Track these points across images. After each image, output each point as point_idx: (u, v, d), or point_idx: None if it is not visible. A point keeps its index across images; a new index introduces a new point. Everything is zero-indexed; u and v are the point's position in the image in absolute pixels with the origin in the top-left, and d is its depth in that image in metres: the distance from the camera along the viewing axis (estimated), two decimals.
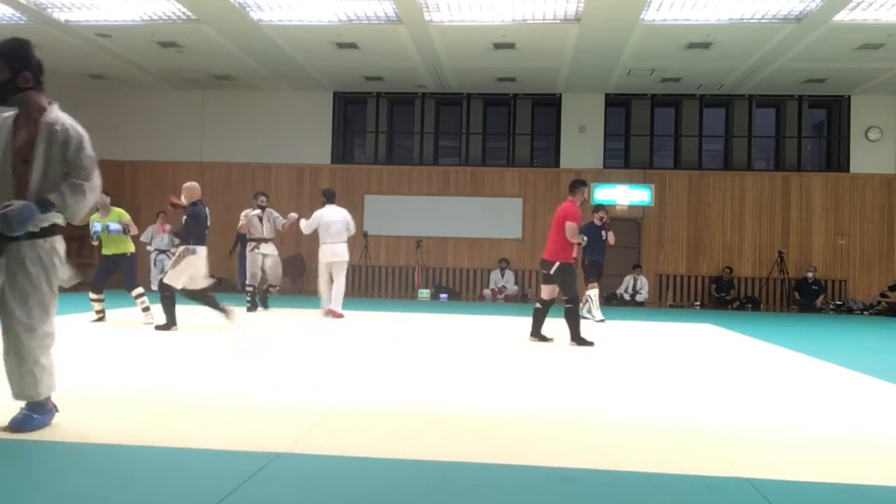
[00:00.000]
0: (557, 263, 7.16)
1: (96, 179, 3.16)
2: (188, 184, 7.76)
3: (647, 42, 12.33)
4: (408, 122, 16.66)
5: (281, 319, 9.17)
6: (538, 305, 7.50)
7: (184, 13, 11.60)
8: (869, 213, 15.30)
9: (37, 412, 3.16)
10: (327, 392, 4.30)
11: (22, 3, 11.27)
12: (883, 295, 14.62)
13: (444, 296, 15.23)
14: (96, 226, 7.99)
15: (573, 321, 7.13)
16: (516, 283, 15.40)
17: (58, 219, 3.17)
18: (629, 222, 15.56)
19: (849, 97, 15.42)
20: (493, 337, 7.89)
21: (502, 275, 15.34)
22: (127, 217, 8.18)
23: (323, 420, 3.52)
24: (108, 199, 8.06)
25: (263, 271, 10.12)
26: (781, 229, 15.44)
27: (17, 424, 3.09)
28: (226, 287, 15.06)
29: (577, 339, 7.10)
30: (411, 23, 11.67)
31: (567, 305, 7.13)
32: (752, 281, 15.41)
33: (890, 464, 3.04)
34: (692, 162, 15.86)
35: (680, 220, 15.66)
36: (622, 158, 16.14)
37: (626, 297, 14.81)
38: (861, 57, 12.80)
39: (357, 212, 15.99)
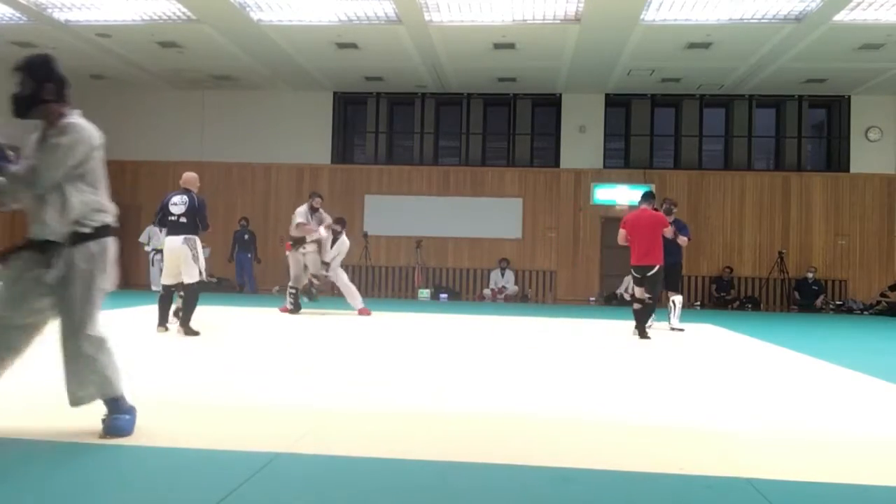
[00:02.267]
0: (658, 266, 8.01)
1: (44, 168, 2.99)
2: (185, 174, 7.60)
3: (647, 42, 12.33)
4: (408, 122, 16.66)
5: (282, 320, 9.17)
6: (639, 306, 8.11)
7: (184, 13, 11.60)
8: (869, 213, 15.30)
9: (122, 412, 3.10)
10: (328, 392, 4.30)
11: (22, 3, 11.27)
12: (883, 295, 14.62)
13: (444, 296, 15.23)
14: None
15: (645, 316, 7.99)
16: (516, 283, 15.40)
17: (108, 219, 3.15)
18: None
19: (849, 97, 15.42)
20: (493, 337, 7.89)
21: (502, 275, 15.34)
22: None
23: (323, 420, 3.52)
24: None
25: (305, 267, 10.04)
26: (781, 229, 15.44)
27: (111, 430, 3.05)
28: (226, 288, 15.08)
29: (641, 330, 7.93)
30: (411, 23, 11.67)
31: (649, 303, 8.05)
32: (752, 281, 15.41)
33: (890, 464, 3.04)
34: (692, 162, 15.86)
35: (680, 219, 15.64)
36: (622, 158, 16.14)
37: (626, 297, 14.78)
38: (861, 57, 12.80)
39: (357, 212, 16.03)
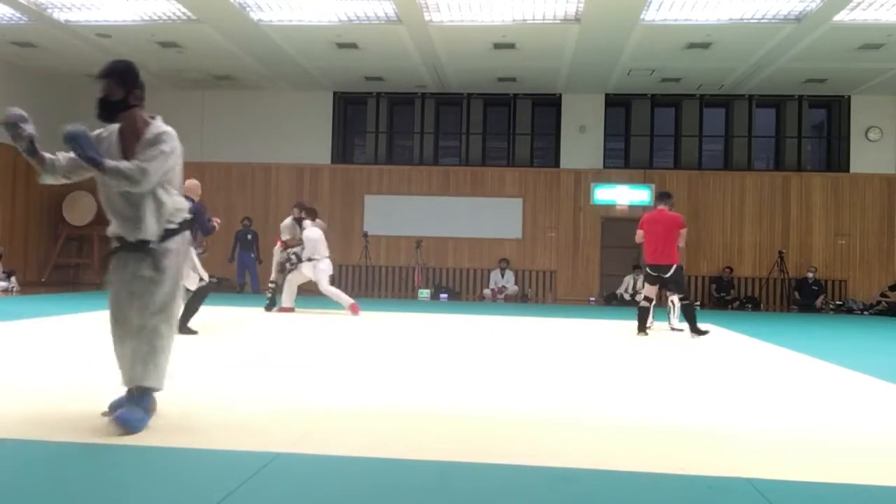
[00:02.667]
0: (675, 266, 8.14)
1: (151, 176, 3.19)
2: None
3: (647, 42, 12.33)
4: (408, 122, 16.66)
5: (281, 319, 9.18)
6: (646, 304, 8.33)
7: (184, 13, 11.60)
8: (869, 213, 15.30)
9: (142, 407, 3.22)
10: (327, 392, 4.30)
11: (22, 3, 11.27)
12: (883, 295, 14.62)
13: (444, 296, 15.23)
14: None
15: (690, 314, 8.09)
16: (516, 283, 15.40)
17: (187, 214, 3.41)
18: (629, 222, 15.54)
19: (849, 97, 15.42)
20: (493, 337, 7.89)
21: (502, 275, 15.34)
22: None
23: (323, 420, 3.52)
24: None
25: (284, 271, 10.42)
26: (781, 229, 15.44)
27: (122, 420, 3.13)
28: (226, 287, 15.07)
29: (696, 330, 8.00)
30: (411, 23, 11.67)
31: (683, 302, 8.26)
32: (752, 281, 15.42)
33: (890, 464, 3.04)
34: (692, 162, 15.87)
35: None
36: (622, 158, 16.15)
37: (626, 297, 14.79)
38: (861, 57, 12.80)
39: (357, 212, 16.03)
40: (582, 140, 15.87)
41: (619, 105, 16.06)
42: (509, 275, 15.36)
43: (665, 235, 8.13)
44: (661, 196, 8.55)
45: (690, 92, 15.53)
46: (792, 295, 15.11)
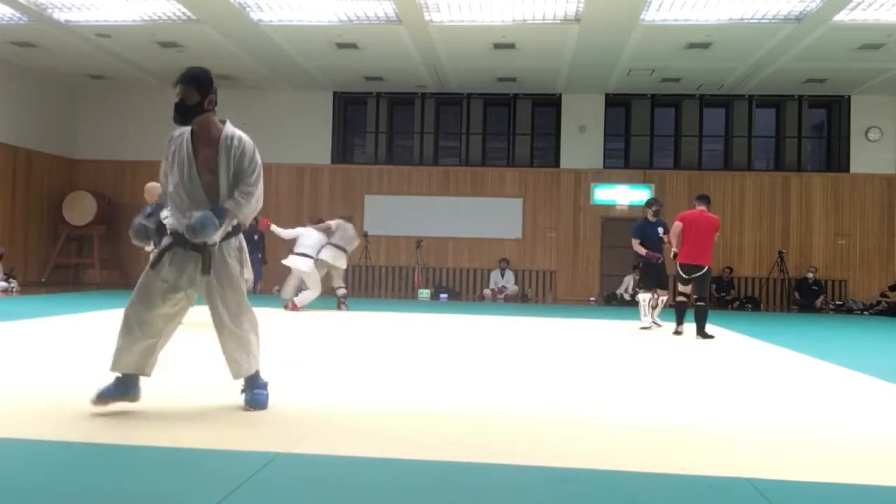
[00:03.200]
0: (707, 267, 8.22)
1: (261, 185, 3.58)
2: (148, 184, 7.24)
3: (647, 42, 12.33)
4: (408, 122, 16.66)
5: (281, 319, 9.17)
6: (683, 299, 8.51)
7: (184, 13, 11.60)
8: (869, 213, 15.30)
9: (260, 387, 3.70)
10: (327, 392, 4.30)
11: (22, 3, 11.27)
12: (883, 295, 14.62)
13: (444, 296, 15.23)
14: None
15: (703, 317, 8.15)
16: (516, 283, 15.40)
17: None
18: (629, 222, 15.54)
19: (849, 97, 15.42)
20: (493, 337, 7.89)
21: (502, 275, 15.34)
22: None
23: (323, 420, 3.52)
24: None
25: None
26: (781, 229, 15.44)
27: (254, 403, 3.63)
28: None
29: (702, 332, 8.01)
30: (411, 23, 11.67)
31: (699, 304, 8.29)
32: (752, 281, 15.41)
33: (890, 464, 3.04)
34: (692, 162, 15.87)
35: None
36: (622, 158, 16.15)
37: (626, 297, 14.80)
38: (861, 57, 12.80)
39: (357, 212, 16.02)
40: (582, 140, 15.87)
41: (619, 105, 16.06)
42: (509, 275, 15.36)
43: (706, 237, 8.22)
44: (703, 198, 8.62)
45: (690, 92, 15.53)
46: (792, 295, 15.10)
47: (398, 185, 16.08)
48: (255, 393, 3.66)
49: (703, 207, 8.41)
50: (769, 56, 12.90)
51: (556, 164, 15.96)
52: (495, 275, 15.41)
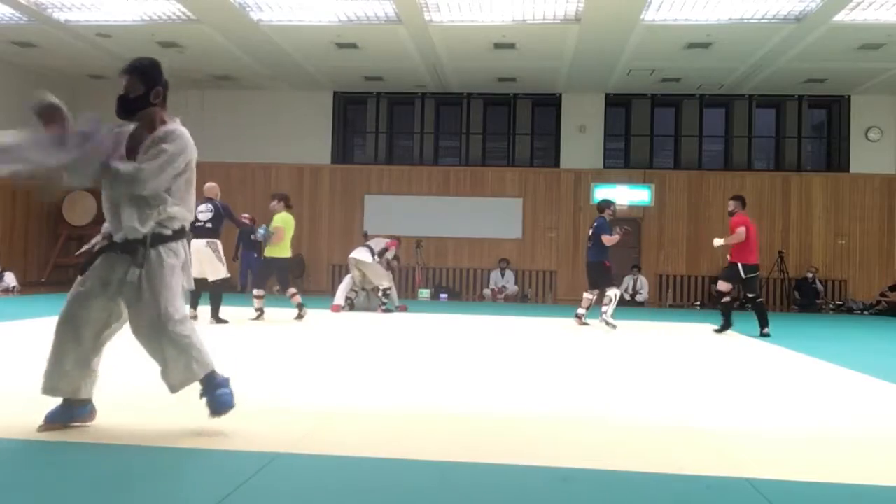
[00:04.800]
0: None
1: (149, 170, 3.04)
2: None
3: (647, 42, 12.32)
4: (408, 122, 16.66)
5: (280, 319, 9.17)
6: (728, 299, 9.03)
7: (184, 13, 11.60)
8: (869, 213, 15.29)
9: (221, 386, 3.21)
10: (328, 392, 4.29)
11: (22, 4, 11.27)
12: (883, 295, 14.62)
13: (444, 296, 15.23)
14: (259, 229, 9.15)
15: (763, 312, 8.85)
16: (516, 283, 15.40)
17: (186, 224, 3.25)
18: (629, 222, 15.55)
19: (849, 97, 15.41)
20: (493, 337, 7.89)
21: (502, 275, 15.34)
22: (278, 224, 9.02)
23: (323, 420, 3.52)
24: (274, 204, 9.09)
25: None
26: (781, 229, 15.43)
27: (218, 406, 3.16)
28: (226, 287, 15.05)
29: (765, 332, 8.63)
30: (411, 23, 11.67)
31: (759, 301, 9.08)
32: None
33: (890, 464, 3.04)
34: (692, 162, 15.86)
35: (680, 220, 15.66)
36: (622, 158, 16.14)
37: (626, 297, 14.80)
38: (861, 57, 12.80)
39: (357, 212, 16.03)
40: (582, 140, 15.87)
41: (619, 105, 16.05)
42: (509, 275, 15.36)
43: (756, 236, 8.93)
44: (743, 201, 9.09)
45: (690, 92, 15.53)
46: (792, 295, 15.10)
47: (398, 185, 16.08)
48: (215, 395, 3.19)
49: (744, 211, 8.97)
50: (769, 56, 12.90)
51: (556, 164, 15.96)
52: (495, 275, 15.41)
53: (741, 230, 8.62)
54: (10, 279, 12.89)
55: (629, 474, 2.76)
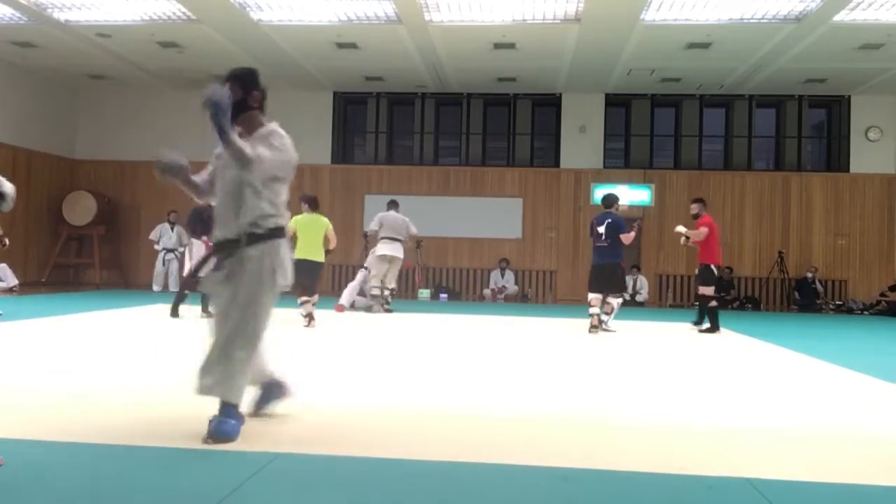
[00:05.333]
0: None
1: (264, 157, 3.19)
2: None
3: (647, 42, 12.32)
4: (408, 122, 16.65)
5: (280, 319, 9.16)
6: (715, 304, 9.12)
7: (184, 13, 11.60)
8: (869, 213, 15.29)
9: (231, 417, 3.16)
10: (327, 392, 4.30)
11: (22, 3, 11.27)
12: (883, 295, 14.62)
13: (444, 296, 15.23)
14: None
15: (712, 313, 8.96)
16: (516, 283, 15.40)
17: (282, 221, 3.36)
18: (629, 222, 15.54)
19: (849, 97, 15.41)
20: (493, 337, 7.89)
21: (502, 275, 15.34)
22: (290, 226, 8.93)
23: (323, 420, 3.52)
24: (304, 205, 8.79)
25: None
26: (781, 229, 15.43)
27: (216, 434, 3.07)
28: None
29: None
30: (411, 23, 11.67)
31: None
32: (752, 281, 15.41)
33: (890, 463, 3.05)
34: (692, 162, 15.86)
35: (680, 220, 15.58)
36: (622, 158, 16.14)
37: (626, 297, 14.79)
38: (861, 57, 12.79)
39: (357, 212, 16.02)
40: (582, 140, 15.87)
41: (619, 105, 16.05)
42: (509, 275, 15.36)
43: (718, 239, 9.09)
44: (705, 202, 9.41)
45: (690, 92, 15.52)
46: (792, 295, 15.10)
47: (398, 185, 16.07)
48: (221, 421, 3.11)
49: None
50: (769, 56, 12.90)
51: (556, 163, 15.96)
52: (495, 275, 15.41)
53: (704, 229, 8.89)
54: (5, 273, 12.50)
55: (629, 474, 2.76)
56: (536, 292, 15.67)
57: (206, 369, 3.18)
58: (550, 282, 15.72)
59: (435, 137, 16.42)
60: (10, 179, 3.33)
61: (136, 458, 2.82)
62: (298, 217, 8.79)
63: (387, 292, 10.79)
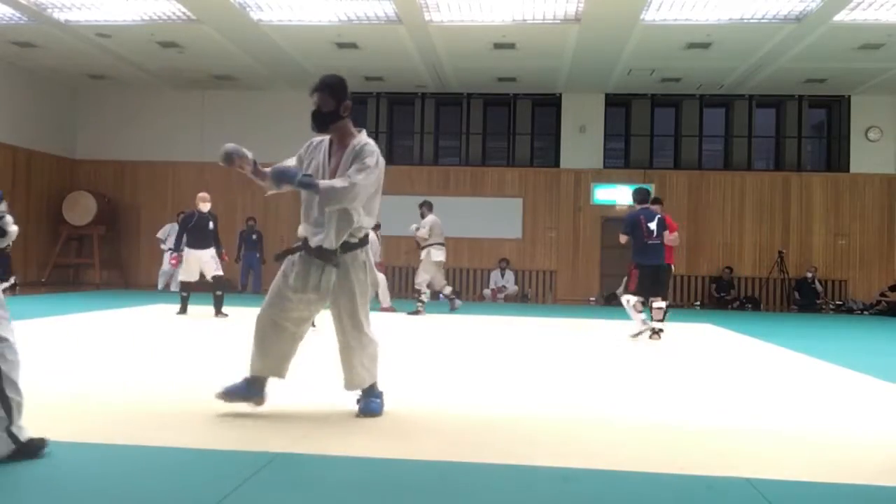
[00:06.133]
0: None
1: (366, 181, 3.38)
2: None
3: (647, 42, 12.32)
4: (408, 122, 16.65)
5: None
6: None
7: (184, 13, 11.60)
8: (869, 213, 15.29)
9: (375, 396, 3.69)
10: (327, 392, 4.29)
11: (22, 3, 11.27)
12: (883, 295, 14.62)
13: (443, 296, 15.19)
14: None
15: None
16: (516, 283, 15.40)
17: (369, 230, 3.63)
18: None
19: (849, 97, 15.41)
20: (493, 337, 7.89)
21: (502, 275, 15.34)
22: None
23: (323, 420, 3.52)
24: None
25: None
26: (781, 229, 15.43)
27: (367, 410, 3.60)
28: (226, 287, 15.04)
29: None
30: (411, 23, 11.67)
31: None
32: (752, 281, 15.41)
33: (890, 463, 3.04)
34: (692, 162, 15.86)
35: (680, 220, 15.60)
36: (622, 158, 16.14)
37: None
38: (861, 57, 12.79)
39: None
40: (582, 140, 15.86)
41: (619, 105, 16.04)
42: (509, 275, 15.36)
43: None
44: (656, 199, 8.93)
45: (690, 92, 15.52)
46: (792, 295, 15.10)
47: (398, 185, 16.03)
48: (369, 401, 3.66)
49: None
50: (769, 56, 12.89)
51: (556, 164, 15.96)
52: (495, 275, 15.41)
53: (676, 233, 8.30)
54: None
55: (629, 474, 2.76)
56: (536, 292, 15.68)
57: (350, 364, 3.61)
58: (550, 282, 15.72)
59: (435, 137, 16.42)
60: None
61: (136, 457, 2.82)
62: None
63: (442, 295, 11.32)
